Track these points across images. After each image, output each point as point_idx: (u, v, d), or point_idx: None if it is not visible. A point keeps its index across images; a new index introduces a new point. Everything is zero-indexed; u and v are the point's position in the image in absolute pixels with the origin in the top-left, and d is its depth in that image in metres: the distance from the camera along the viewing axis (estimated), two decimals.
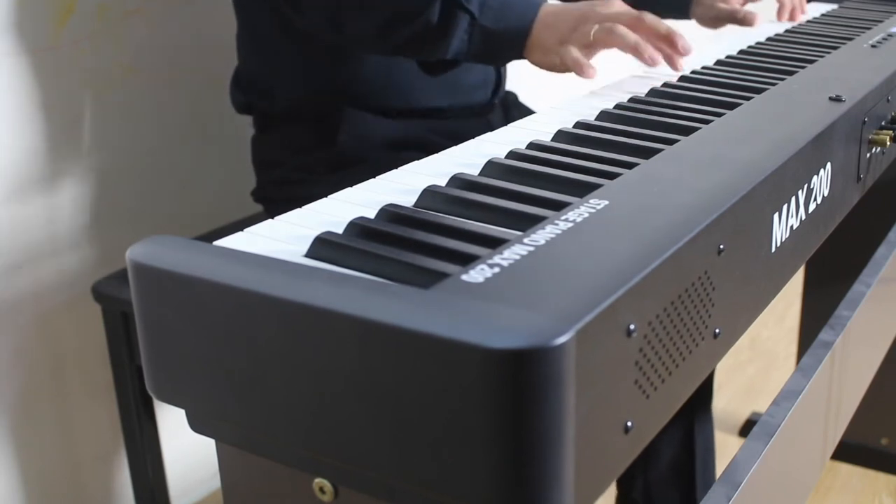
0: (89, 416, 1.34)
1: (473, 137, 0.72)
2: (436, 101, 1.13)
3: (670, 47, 0.89)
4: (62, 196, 1.25)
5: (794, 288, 1.61)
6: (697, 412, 1.23)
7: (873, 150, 0.84)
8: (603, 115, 0.76)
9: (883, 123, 0.85)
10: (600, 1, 0.90)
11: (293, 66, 1.11)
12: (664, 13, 1.31)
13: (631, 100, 0.81)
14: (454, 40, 0.93)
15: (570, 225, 0.48)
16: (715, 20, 1.27)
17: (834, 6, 1.41)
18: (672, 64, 0.89)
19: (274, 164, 1.16)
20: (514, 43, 0.92)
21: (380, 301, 0.39)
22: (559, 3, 0.94)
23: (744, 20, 1.21)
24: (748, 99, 0.77)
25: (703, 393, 1.25)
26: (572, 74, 0.90)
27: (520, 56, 0.94)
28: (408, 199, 0.58)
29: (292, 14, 1.04)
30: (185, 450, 1.46)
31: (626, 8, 0.89)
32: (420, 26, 0.93)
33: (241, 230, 0.53)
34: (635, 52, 0.85)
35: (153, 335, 0.46)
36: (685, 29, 1.25)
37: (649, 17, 0.88)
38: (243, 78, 1.17)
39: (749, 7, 1.26)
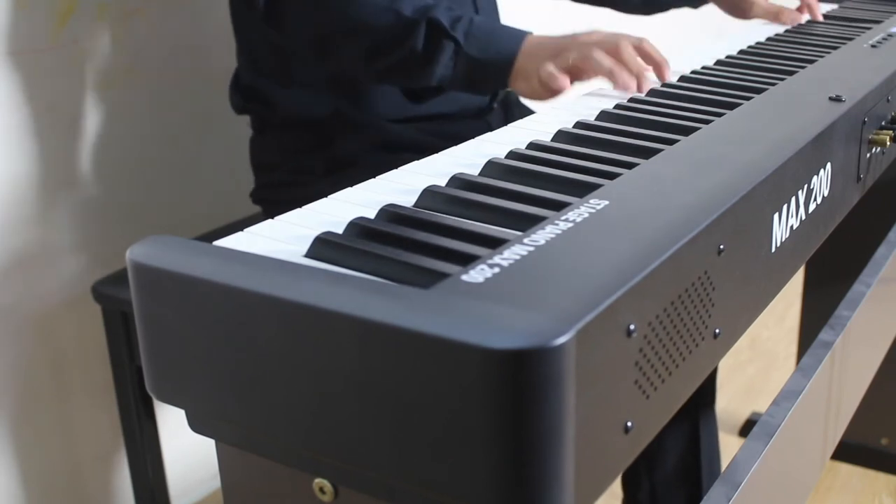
0: (89, 416, 1.34)
1: (471, 138, 0.72)
2: (434, 109, 1.13)
3: (658, 75, 0.89)
4: (62, 196, 1.25)
5: (794, 288, 1.60)
6: (701, 413, 1.22)
7: (873, 150, 0.84)
8: (603, 115, 0.76)
9: (883, 123, 0.85)
10: (584, 33, 0.91)
11: (292, 86, 1.11)
12: (682, 5, 1.32)
13: (631, 100, 0.81)
14: (439, 67, 0.94)
15: (570, 225, 0.48)
16: (747, 12, 1.28)
17: (834, 6, 1.41)
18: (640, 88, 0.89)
19: (271, 166, 1.16)
20: (499, 73, 0.93)
21: (380, 301, 0.39)
22: (543, 35, 0.94)
23: (790, 22, 1.22)
24: (748, 99, 0.77)
25: (706, 394, 1.25)
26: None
27: (504, 85, 0.94)
28: (408, 199, 0.58)
29: (279, 38, 1.04)
30: (185, 450, 1.46)
31: (606, 37, 0.89)
32: (405, 53, 0.94)
33: (241, 230, 0.53)
34: (610, 76, 0.86)
35: (153, 335, 0.46)
36: (684, 28, 1.25)
37: (627, 52, 0.88)
38: (241, 82, 1.17)
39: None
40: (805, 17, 1.24)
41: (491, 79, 0.94)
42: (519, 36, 0.93)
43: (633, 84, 0.85)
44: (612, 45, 0.88)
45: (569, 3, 1.38)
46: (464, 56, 0.93)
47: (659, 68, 0.89)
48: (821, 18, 1.25)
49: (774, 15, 1.25)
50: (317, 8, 0.97)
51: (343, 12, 0.95)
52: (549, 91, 0.90)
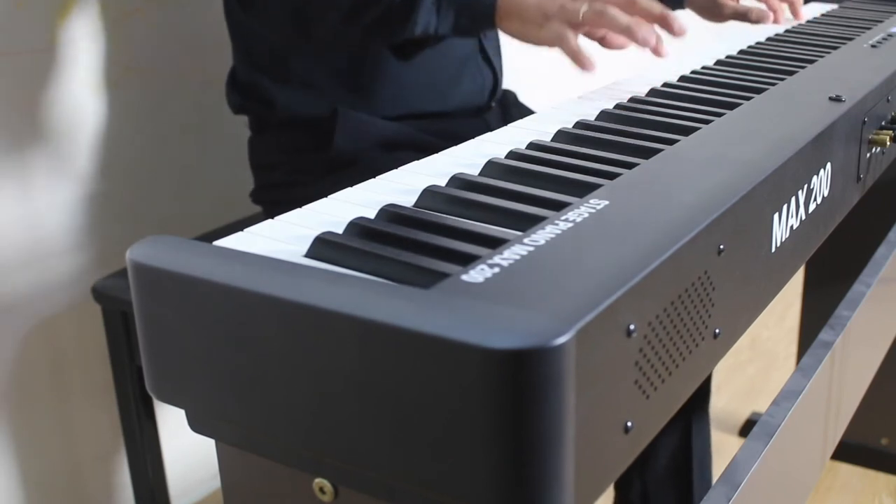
0: (89, 416, 1.34)
1: (470, 138, 0.72)
2: (432, 107, 1.13)
3: (666, 28, 0.86)
4: (62, 196, 1.25)
5: (794, 288, 1.60)
6: (695, 414, 1.22)
7: (873, 150, 0.84)
8: (603, 115, 0.76)
9: (883, 123, 0.85)
10: None
11: (286, 77, 1.11)
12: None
13: (631, 100, 0.81)
14: (422, 14, 0.91)
15: (570, 225, 0.48)
16: (719, 15, 1.27)
17: (834, 6, 1.41)
18: (658, 51, 0.85)
19: (271, 166, 1.16)
20: (485, 10, 0.89)
21: (380, 301, 0.39)
22: None
23: (758, 20, 1.21)
24: (748, 99, 0.77)
25: (701, 395, 1.25)
26: (570, 69, 0.88)
27: (492, 26, 0.91)
28: (408, 199, 0.58)
29: (256, 24, 1.03)
30: (185, 450, 1.46)
31: None
32: (384, 7, 0.92)
33: (241, 230, 0.53)
34: (628, 33, 0.82)
35: (153, 335, 0.46)
36: (685, 22, 1.25)
37: (643, 2, 0.84)
38: (238, 79, 1.17)
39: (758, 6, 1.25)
40: (771, 16, 1.23)
41: (477, 19, 0.91)
42: None
43: (652, 38, 0.81)
44: (624, 0, 0.84)
45: None
46: None
47: (665, 20, 0.85)
48: (801, 14, 1.24)
49: (744, 15, 1.24)
50: None
51: None
52: (549, 43, 0.86)
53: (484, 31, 0.92)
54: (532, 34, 0.88)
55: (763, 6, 1.23)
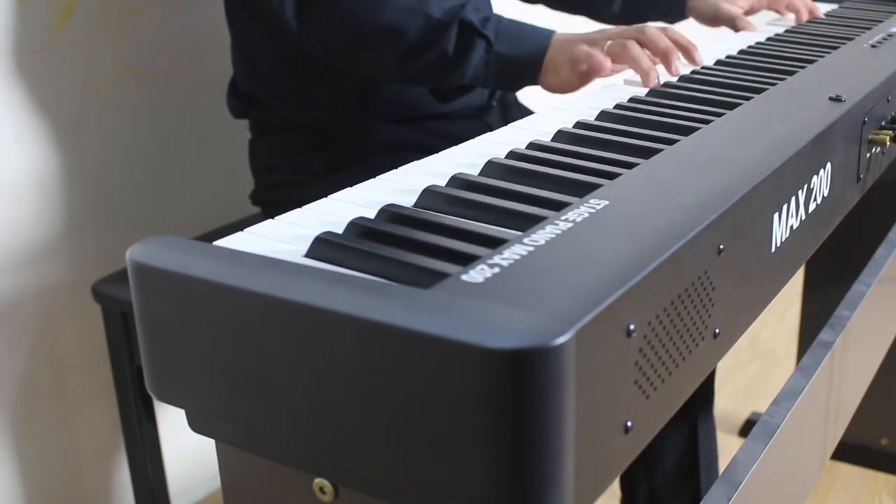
0: (89, 416, 1.34)
1: (471, 138, 0.72)
2: (434, 110, 1.14)
3: (687, 58, 0.93)
4: (62, 196, 1.25)
5: (794, 288, 1.61)
6: (700, 415, 1.22)
7: (873, 150, 0.84)
8: (603, 115, 0.76)
9: (883, 123, 0.85)
10: (611, 29, 0.94)
11: (289, 87, 1.11)
12: (660, 17, 1.32)
13: (631, 100, 0.81)
14: (470, 67, 0.95)
15: (570, 225, 0.48)
16: (713, 19, 1.28)
17: (834, 6, 1.41)
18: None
19: (271, 167, 1.16)
20: (529, 69, 0.95)
21: (380, 301, 0.39)
22: (569, 32, 0.97)
23: (742, 29, 1.22)
24: (748, 99, 0.77)
25: (705, 395, 1.25)
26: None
27: (534, 81, 0.96)
28: (408, 199, 0.58)
29: (308, 48, 1.04)
30: (185, 450, 1.46)
31: (631, 27, 0.92)
32: (437, 55, 0.95)
33: (241, 230, 0.53)
34: (644, 76, 0.88)
35: (153, 335, 0.46)
36: (685, 28, 1.25)
37: (651, 31, 0.91)
38: (239, 88, 1.17)
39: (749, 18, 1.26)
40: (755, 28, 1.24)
41: (522, 75, 0.96)
42: (547, 33, 0.95)
43: (656, 83, 0.87)
44: (636, 31, 0.90)
45: (546, 11, 1.38)
46: (495, 54, 0.95)
47: (688, 52, 0.92)
48: (804, 17, 1.25)
49: (732, 21, 1.25)
50: (345, 16, 0.98)
51: (372, 19, 0.96)
52: (580, 76, 0.92)
53: (524, 86, 0.99)
54: (562, 79, 0.94)
55: (750, 21, 1.23)
